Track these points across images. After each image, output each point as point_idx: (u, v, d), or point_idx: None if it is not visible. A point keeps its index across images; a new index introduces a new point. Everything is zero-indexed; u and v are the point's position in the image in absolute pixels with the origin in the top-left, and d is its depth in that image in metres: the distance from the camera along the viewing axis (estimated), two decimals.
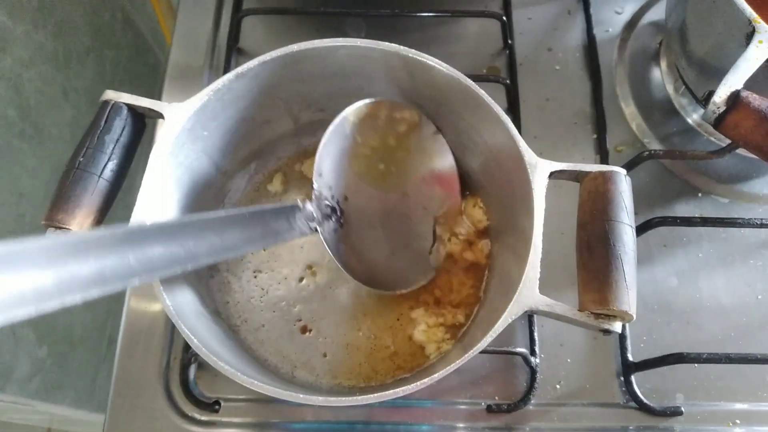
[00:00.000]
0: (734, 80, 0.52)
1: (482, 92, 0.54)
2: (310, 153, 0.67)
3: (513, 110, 0.72)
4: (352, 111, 0.57)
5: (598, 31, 0.79)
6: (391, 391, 0.45)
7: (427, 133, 0.61)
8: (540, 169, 0.50)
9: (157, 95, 0.71)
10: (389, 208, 0.62)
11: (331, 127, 0.55)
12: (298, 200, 0.52)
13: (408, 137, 0.61)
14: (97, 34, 1.00)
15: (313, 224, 0.52)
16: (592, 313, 0.46)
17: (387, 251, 0.62)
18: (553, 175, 0.51)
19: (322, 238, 0.53)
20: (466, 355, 0.45)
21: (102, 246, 0.34)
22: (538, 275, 0.47)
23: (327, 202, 0.56)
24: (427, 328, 0.60)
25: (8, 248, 0.29)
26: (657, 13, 0.80)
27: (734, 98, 0.52)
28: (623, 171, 0.50)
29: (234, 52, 0.75)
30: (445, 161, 0.62)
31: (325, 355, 0.59)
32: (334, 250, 0.54)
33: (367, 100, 0.58)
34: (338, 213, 0.57)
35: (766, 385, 0.62)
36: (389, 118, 0.60)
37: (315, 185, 0.54)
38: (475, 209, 0.63)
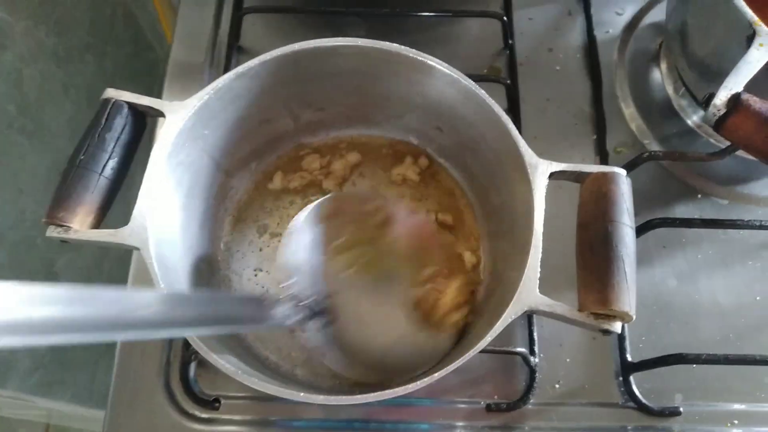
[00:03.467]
0: (735, 83, 0.52)
1: (482, 92, 0.54)
2: (310, 151, 0.67)
3: (513, 110, 0.72)
4: (312, 212, 0.55)
5: (598, 32, 0.79)
6: (391, 390, 0.45)
7: (402, 215, 0.60)
8: (540, 170, 0.51)
9: (157, 92, 0.71)
10: (383, 296, 0.59)
11: (292, 231, 0.54)
12: (271, 301, 0.50)
13: (385, 224, 0.59)
14: (97, 31, 1.00)
15: (291, 323, 0.50)
16: (592, 313, 0.46)
17: (389, 341, 0.59)
18: (553, 175, 0.51)
19: (304, 339, 0.53)
20: (466, 355, 0.45)
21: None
22: (539, 275, 0.47)
23: (305, 303, 0.53)
24: (427, 329, 0.60)
25: None
26: (657, 15, 0.80)
27: (735, 101, 0.52)
28: (624, 172, 0.50)
29: (235, 51, 0.75)
30: (423, 227, 0.61)
31: (325, 354, 0.59)
32: (324, 349, 0.53)
33: (325, 197, 0.56)
34: (322, 312, 0.54)
35: (765, 386, 0.63)
36: (358, 210, 0.58)
37: (286, 290, 0.52)
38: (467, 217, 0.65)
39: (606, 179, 0.49)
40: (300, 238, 0.54)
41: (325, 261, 0.57)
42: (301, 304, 0.52)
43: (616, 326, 0.46)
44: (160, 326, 0.39)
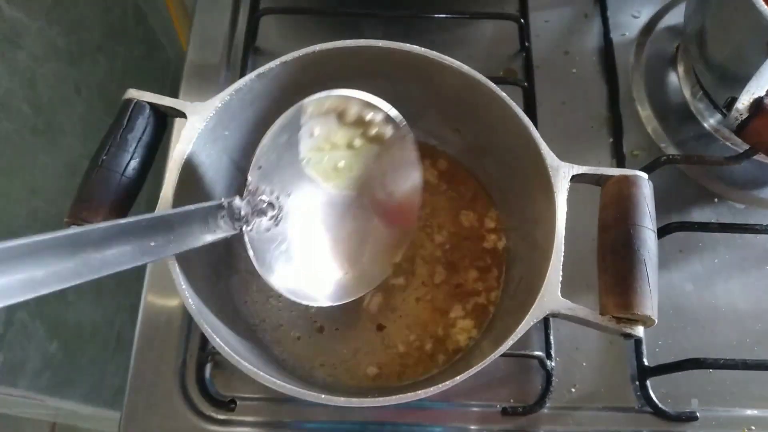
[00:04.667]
0: (757, 87, 0.52)
1: (503, 93, 0.53)
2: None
3: (530, 113, 0.72)
4: (311, 102, 0.49)
5: (614, 35, 0.79)
6: (412, 393, 0.45)
7: (399, 141, 0.55)
8: (562, 173, 0.50)
9: (169, 92, 0.71)
10: (341, 209, 0.57)
11: (282, 118, 0.49)
12: (223, 199, 0.46)
13: (377, 142, 0.55)
14: (109, 31, 1.00)
15: (239, 223, 0.47)
16: (613, 317, 0.46)
17: (335, 253, 0.57)
18: (575, 178, 0.50)
19: (246, 238, 0.48)
20: (489, 358, 0.45)
21: None
22: (560, 279, 0.47)
23: (263, 197, 0.50)
24: (447, 330, 0.60)
25: None
26: (674, 18, 0.80)
27: (757, 105, 0.52)
28: (645, 175, 0.50)
29: (251, 52, 0.75)
30: (410, 179, 0.57)
31: (342, 356, 0.59)
32: (259, 250, 0.49)
33: (334, 93, 0.50)
34: (275, 209, 0.51)
35: None
36: (359, 117, 0.53)
37: (250, 178, 0.48)
38: (488, 219, 0.64)
39: (628, 182, 0.49)
40: (285, 130, 0.50)
41: (297, 156, 0.53)
42: (259, 198, 0.49)
43: (638, 330, 0.45)
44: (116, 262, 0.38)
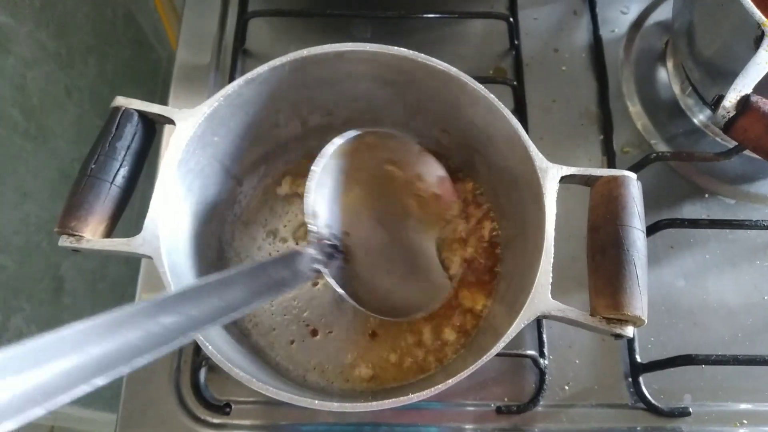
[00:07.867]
0: (744, 85, 0.52)
1: (491, 96, 0.54)
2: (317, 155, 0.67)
3: (520, 111, 0.72)
4: (335, 149, 0.55)
5: (604, 32, 0.79)
6: (405, 397, 0.45)
7: (413, 155, 0.59)
8: (551, 174, 0.50)
9: (160, 94, 0.71)
10: (394, 236, 0.61)
11: (317, 168, 0.53)
12: (300, 247, 0.51)
13: (396, 163, 0.60)
14: (99, 33, 1.00)
15: (317, 266, 0.51)
16: (604, 317, 0.46)
17: (398, 278, 0.60)
18: (563, 179, 0.51)
19: (329, 279, 0.51)
20: (480, 360, 0.46)
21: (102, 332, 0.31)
22: (550, 280, 0.47)
23: (328, 242, 0.54)
24: (439, 332, 0.60)
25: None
26: (663, 13, 0.80)
27: (744, 103, 0.52)
28: (634, 176, 0.50)
29: (240, 54, 0.75)
30: (434, 174, 0.60)
31: (336, 359, 0.60)
32: (343, 287, 0.52)
33: (348, 135, 0.55)
34: (340, 250, 0.55)
35: None
36: (374, 147, 0.58)
37: (311, 227, 0.52)
38: (485, 221, 0.64)
39: (616, 183, 0.49)
40: (323, 179, 0.55)
41: (343, 199, 0.58)
42: (325, 243, 0.53)
43: (628, 330, 0.46)
44: (194, 326, 0.36)
